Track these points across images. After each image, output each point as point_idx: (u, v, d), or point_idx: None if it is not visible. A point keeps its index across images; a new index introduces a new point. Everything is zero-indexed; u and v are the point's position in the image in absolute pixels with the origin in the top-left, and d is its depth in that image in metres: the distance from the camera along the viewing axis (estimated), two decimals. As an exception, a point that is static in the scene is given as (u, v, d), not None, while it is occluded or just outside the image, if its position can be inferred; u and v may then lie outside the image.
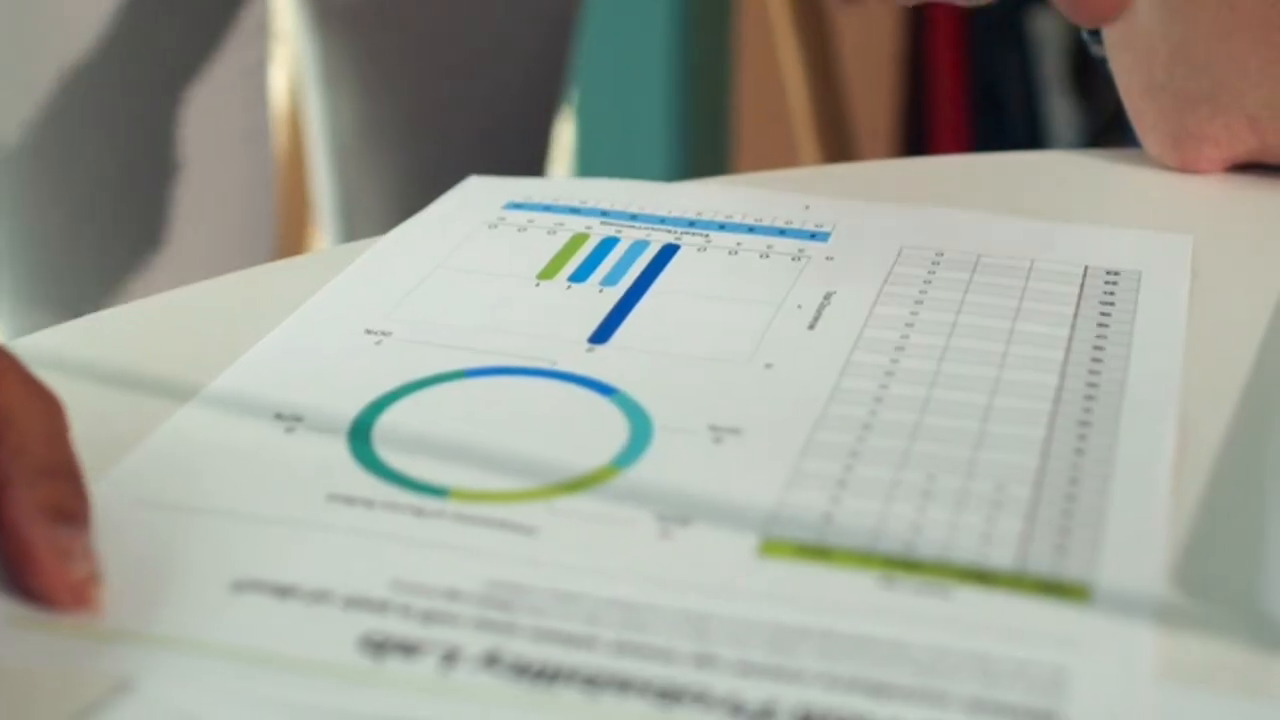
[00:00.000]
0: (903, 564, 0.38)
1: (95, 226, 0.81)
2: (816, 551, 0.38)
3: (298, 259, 0.55)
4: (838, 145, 1.38)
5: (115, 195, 0.81)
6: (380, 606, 0.36)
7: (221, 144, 0.83)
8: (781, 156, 1.54)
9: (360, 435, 0.43)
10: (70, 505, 0.37)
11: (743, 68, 1.67)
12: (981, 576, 0.37)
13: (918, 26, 1.70)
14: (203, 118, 0.82)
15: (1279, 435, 0.35)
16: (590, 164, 1.66)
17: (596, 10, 0.98)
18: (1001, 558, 0.38)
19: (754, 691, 0.34)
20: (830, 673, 0.34)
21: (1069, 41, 1.62)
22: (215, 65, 0.82)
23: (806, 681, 0.34)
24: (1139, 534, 0.39)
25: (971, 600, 0.37)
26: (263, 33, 0.84)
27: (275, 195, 0.89)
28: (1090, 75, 1.63)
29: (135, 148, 0.81)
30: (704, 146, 1.70)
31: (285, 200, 1.41)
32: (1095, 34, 0.62)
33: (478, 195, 0.59)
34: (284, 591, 0.37)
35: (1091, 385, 0.46)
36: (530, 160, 0.98)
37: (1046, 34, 1.63)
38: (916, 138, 1.78)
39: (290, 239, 1.46)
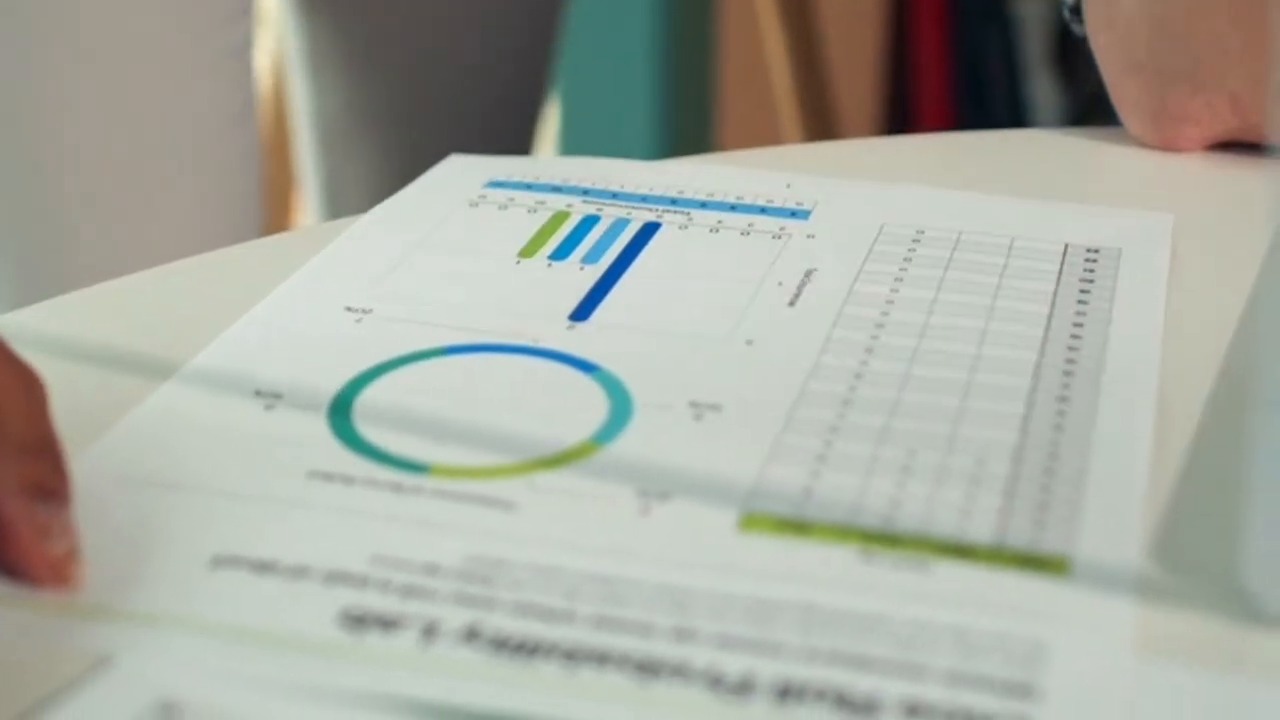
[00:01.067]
0: (882, 538, 0.38)
1: (78, 205, 0.80)
2: (796, 526, 0.38)
3: (278, 236, 0.55)
4: (820, 124, 1.38)
5: (99, 175, 0.80)
6: (360, 581, 0.36)
7: (208, 125, 0.83)
8: (764, 135, 1.54)
9: (340, 412, 0.43)
10: (50, 482, 0.37)
11: (726, 47, 1.67)
12: (961, 551, 0.37)
13: (900, 6, 1.69)
14: (189, 99, 0.81)
15: (1256, 412, 0.35)
16: (573, 144, 1.66)
17: (580, -9, 0.99)
18: (980, 532, 0.38)
19: (733, 664, 0.34)
20: (809, 646, 0.34)
21: (1051, 22, 1.62)
22: (200, 46, 0.81)
23: (786, 655, 0.34)
24: (1117, 509, 0.39)
25: (950, 574, 0.37)
26: (248, 14, 0.84)
27: (261, 176, 0.89)
28: (1072, 55, 1.63)
29: (120, 127, 0.80)
30: (687, 126, 1.70)
31: (269, 181, 1.41)
32: (1077, 13, 0.62)
33: (459, 173, 0.59)
34: (263, 567, 0.37)
35: (1070, 362, 0.46)
36: (516, 141, 0.98)
37: (1029, 14, 1.63)
38: (899, 117, 1.78)
39: (274, 220, 1.46)
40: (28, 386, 0.39)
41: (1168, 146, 0.61)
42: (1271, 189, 0.56)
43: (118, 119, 0.80)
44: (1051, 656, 0.34)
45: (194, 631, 0.35)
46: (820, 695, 0.33)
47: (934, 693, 0.33)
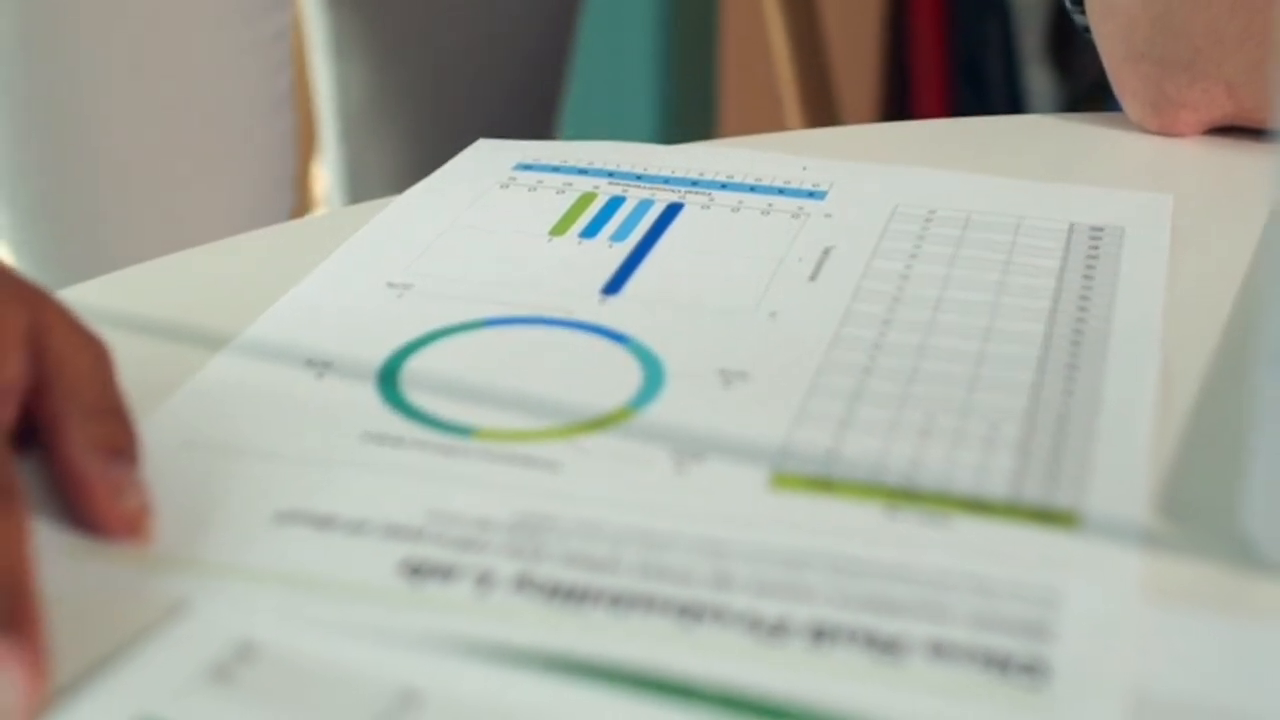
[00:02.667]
0: (905, 495, 0.40)
1: (120, 188, 0.83)
2: (824, 484, 0.41)
3: (321, 215, 0.58)
4: (822, 111, 1.40)
5: (142, 158, 0.82)
6: (416, 534, 0.39)
7: (249, 109, 0.85)
8: (766, 123, 1.56)
9: (388, 380, 0.45)
10: (121, 442, 0.40)
11: (728, 33, 1.69)
12: (978, 506, 0.40)
13: (899, 0, 1.72)
14: (231, 84, 0.83)
15: (1255, 368, 0.37)
16: (578, 129, 1.68)
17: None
18: (996, 489, 0.41)
19: (769, 609, 0.36)
20: (840, 591, 0.37)
21: (1049, 12, 1.65)
22: (242, 32, 0.83)
23: (818, 600, 0.36)
24: (1123, 465, 0.41)
25: (969, 527, 0.39)
26: (284, 2, 0.86)
27: (297, 160, 0.91)
28: (1069, 46, 1.66)
29: (163, 112, 0.83)
30: (690, 111, 1.72)
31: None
32: (1078, 3, 0.65)
33: (488, 157, 0.61)
34: (324, 522, 0.39)
35: (1078, 332, 0.48)
36: (537, 125, 1.00)
37: (1025, 3, 1.66)
38: (898, 104, 1.80)
39: (298, 202, 1.48)
40: (96, 354, 0.41)
41: (1166, 131, 0.63)
42: (1267, 170, 0.59)
43: (161, 104, 0.82)
44: (1064, 601, 0.36)
45: (263, 580, 0.37)
46: (852, 636, 0.35)
47: (956, 634, 0.35)
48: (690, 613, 0.36)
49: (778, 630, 0.35)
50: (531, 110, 1.00)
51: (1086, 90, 1.65)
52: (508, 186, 0.58)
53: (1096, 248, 0.54)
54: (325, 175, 1.06)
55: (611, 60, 1.69)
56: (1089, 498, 0.40)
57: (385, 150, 0.99)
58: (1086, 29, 0.65)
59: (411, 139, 0.98)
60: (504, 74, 0.98)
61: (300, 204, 1.49)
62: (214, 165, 0.84)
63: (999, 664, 0.35)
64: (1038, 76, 1.65)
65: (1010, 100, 1.68)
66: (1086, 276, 0.52)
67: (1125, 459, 0.42)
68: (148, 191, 0.82)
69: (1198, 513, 0.40)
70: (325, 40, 0.98)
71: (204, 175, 0.84)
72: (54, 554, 0.37)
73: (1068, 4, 0.65)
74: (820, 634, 0.35)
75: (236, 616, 0.36)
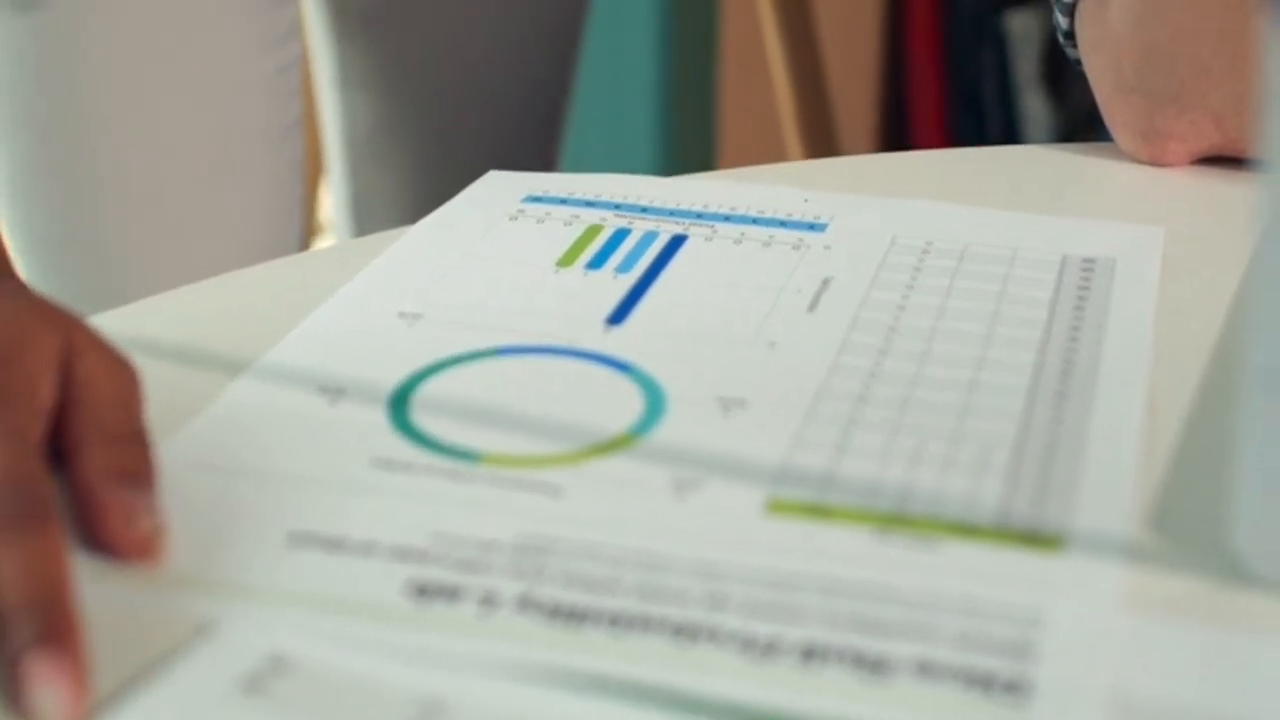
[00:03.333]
0: (896, 519, 0.42)
1: (134, 216, 0.84)
2: (818, 509, 0.42)
3: (333, 246, 0.59)
4: (822, 143, 1.42)
5: (155, 188, 0.84)
6: (422, 556, 0.40)
7: (259, 139, 0.87)
8: (766, 156, 1.58)
9: (398, 406, 0.47)
10: (138, 467, 0.41)
11: (728, 65, 1.71)
12: (967, 530, 0.41)
13: (898, 26, 1.74)
14: (242, 114, 0.85)
15: (1242, 391, 0.38)
16: (580, 159, 1.71)
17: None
18: (985, 513, 0.42)
19: (761, 629, 0.38)
20: (830, 612, 0.38)
21: (1044, 42, 1.66)
22: (254, 64, 0.85)
23: (809, 620, 0.38)
24: (1110, 491, 0.43)
25: (958, 551, 0.41)
26: (295, 34, 0.88)
27: (305, 187, 0.93)
28: (1064, 75, 1.68)
29: (176, 141, 0.84)
30: (690, 142, 1.74)
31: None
32: (1070, 36, 0.66)
33: (498, 189, 0.63)
34: (335, 544, 0.41)
35: (1068, 362, 0.50)
36: (540, 156, 1.02)
37: (1022, 34, 1.68)
38: (897, 135, 1.82)
39: (306, 229, 1.50)
40: (123, 379, 0.43)
41: (1155, 161, 0.65)
42: (1253, 198, 0.60)
43: (175, 133, 0.84)
44: (1047, 622, 0.38)
45: (278, 600, 0.39)
46: (840, 656, 0.37)
47: (941, 653, 0.37)
48: (685, 632, 0.37)
49: (769, 650, 0.37)
50: (534, 141, 1.01)
51: (1081, 118, 1.66)
52: (516, 218, 0.60)
53: (1088, 279, 0.55)
54: (332, 203, 1.08)
55: (613, 90, 1.71)
56: (1075, 522, 0.42)
57: (390, 180, 1.01)
58: (1078, 61, 0.66)
59: (416, 169, 1.00)
60: (507, 105, 1.00)
61: (308, 230, 1.51)
62: (225, 192, 0.86)
63: (982, 683, 0.36)
64: (1033, 104, 1.67)
65: (1006, 128, 1.69)
66: (1078, 308, 0.53)
67: (1111, 485, 0.43)
68: (160, 219, 0.84)
69: (1188, 530, 0.41)
70: (332, 73, 1.00)
71: (215, 202, 0.86)
72: (80, 574, 0.39)
73: (1060, 37, 0.67)
74: (810, 653, 0.37)
75: (262, 633, 0.37)
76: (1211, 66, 0.62)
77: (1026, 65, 1.66)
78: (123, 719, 0.34)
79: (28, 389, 0.41)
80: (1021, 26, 1.66)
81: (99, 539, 0.40)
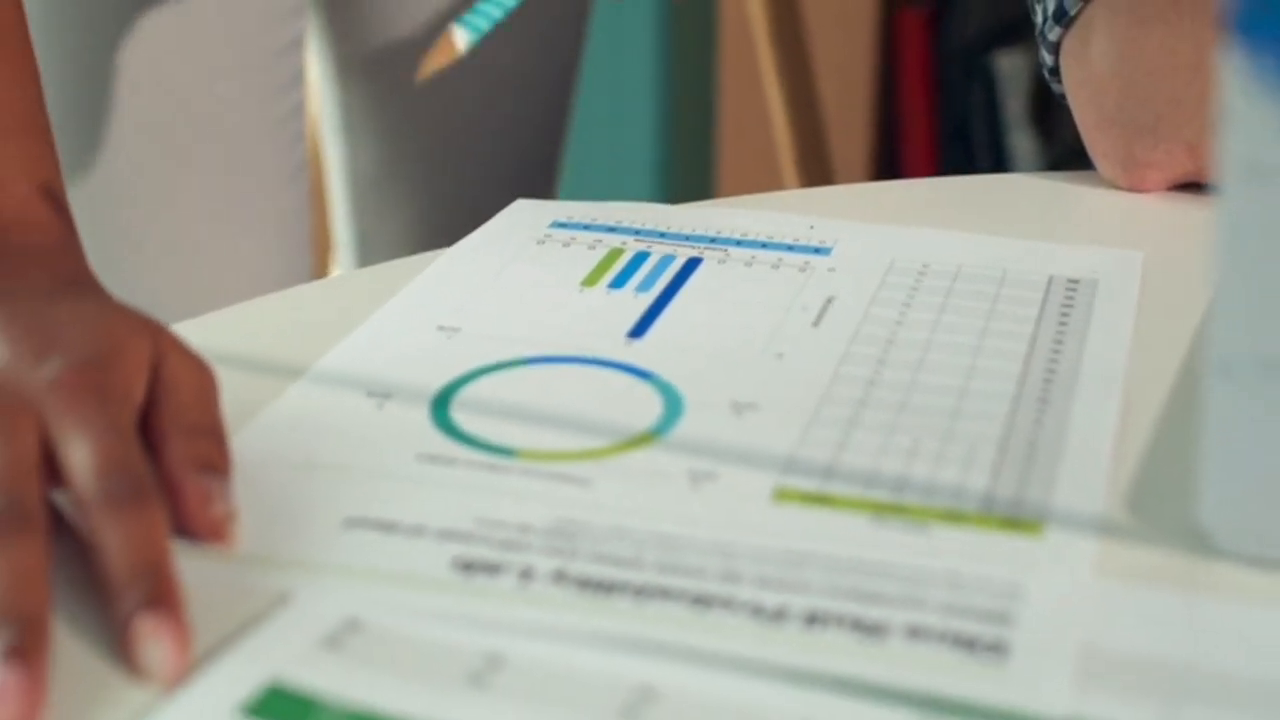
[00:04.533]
0: (891, 507, 0.46)
1: (145, 260, 0.89)
2: (820, 498, 0.47)
3: (374, 269, 0.64)
4: (817, 178, 1.47)
5: (166, 231, 0.89)
6: (467, 537, 0.45)
7: (266, 182, 0.92)
8: (763, 190, 1.63)
9: (440, 408, 0.52)
10: (214, 458, 0.46)
11: (725, 102, 1.76)
12: (955, 516, 0.46)
13: (891, 64, 1.79)
14: (250, 158, 0.91)
15: (1206, 379, 0.43)
16: (581, 192, 1.76)
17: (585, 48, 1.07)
18: (971, 503, 0.47)
19: (770, 599, 0.42)
20: (831, 585, 0.43)
21: (1032, 81, 1.71)
22: (263, 110, 0.91)
23: (812, 591, 0.42)
24: (1086, 483, 0.47)
25: (946, 534, 0.45)
26: (300, 81, 0.94)
27: (311, 228, 0.98)
28: (1050, 112, 1.73)
29: (189, 183, 0.90)
30: (689, 177, 1.79)
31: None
32: (1055, 72, 0.71)
33: (525, 216, 0.68)
34: (387, 527, 0.45)
35: (1050, 371, 0.54)
36: (538, 193, 1.06)
37: (1011, 74, 1.73)
38: (889, 170, 1.87)
39: (314, 270, 1.55)
40: (202, 380, 0.48)
41: (1135, 188, 0.70)
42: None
43: (186, 177, 0.89)
44: (1025, 594, 0.42)
45: (340, 574, 0.43)
46: (840, 621, 0.41)
47: (931, 619, 0.41)
48: (702, 601, 0.42)
49: (777, 616, 0.42)
50: (532, 179, 1.05)
51: (1066, 153, 1.72)
52: (543, 243, 0.65)
53: (1072, 298, 0.60)
54: (337, 241, 1.12)
55: (614, 123, 1.76)
56: (1052, 509, 0.46)
57: (393, 220, 1.05)
58: (1063, 96, 0.71)
59: (418, 209, 1.04)
60: (505, 145, 1.04)
61: (318, 269, 1.56)
62: (239, 230, 0.91)
63: (967, 644, 0.40)
64: (1021, 141, 1.72)
65: (995, 164, 1.74)
66: (1061, 323, 0.58)
67: (1087, 476, 0.48)
68: (175, 261, 0.89)
69: (1158, 513, 0.46)
70: (335, 117, 1.04)
71: (230, 239, 0.91)
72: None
73: (1046, 74, 0.72)
74: (813, 619, 0.41)
75: (334, 601, 0.42)
76: (1185, 100, 0.67)
77: (1014, 104, 1.71)
78: (219, 671, 0.39)
79: (125, 389, 0.46)
80: (1010, 66, 1.71)
81: (180, 521, 0.45)
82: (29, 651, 0.38)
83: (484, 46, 1.00)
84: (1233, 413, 0.41)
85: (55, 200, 0.54)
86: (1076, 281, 0.61)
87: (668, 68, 1.77)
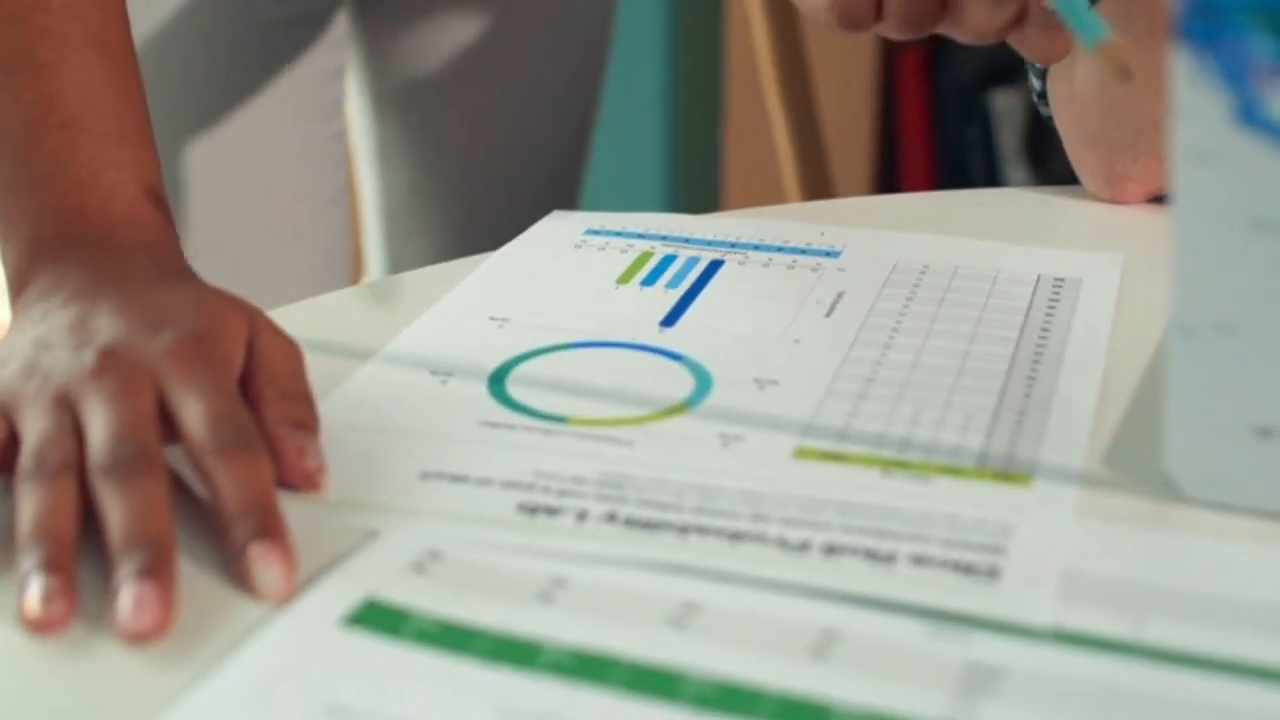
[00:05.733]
0: (897, 463, 0.53)
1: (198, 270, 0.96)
2: (836, 455, 0.53)
3: (432, 268, 0.71)
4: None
5: (221, 249, 0.96)
6: (528, 486, 0.51)
7: (310, 204, 0.99)
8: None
9: (497, 384, 0.58)
10: (305, 418, 0.53)
11: (731, 138, 1.83)
12: (954, 471, 0.53)
13: (890, 103, 1.86)
14: (296, 180, 0.98)
15: (1169, 339, 0.49)
16: (597, 207, 1.83)
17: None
18: (968, 459, 0.53)
19: (794, 535, 0.49)
20: (846, 524, 0.49)
21: (1025, 119, 1.79)
22: (309, 132, 0.98)
23: (830, 529, 0.49)
24: (1069, 443, 0.54)
25: (946, 485, 0.52)
26: (341, 109, 1.01)
27: (351, 247, 1.05)
28: (1043, 147, 1.80)
29: (239, 204, 0.97)
30: (696, 192, 1.86)
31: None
32: (1043, 96, 0.78)
33: (563, 224, 0.74)
34: (458, 479, 0.52)
35: (1038, 353, 0.61)
36: (561, 207, 1.13)
37: (1005, 112, 1.80)
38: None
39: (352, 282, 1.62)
40: (292, 352, 0.54)
41: (1117, 200, 0.77)
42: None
43: (239, 196, 0.96)
44: (1015, 531, 0.49)
45: (421, 516, 0.50)
46: (854, 552, 0.48)
47: (933, 550, 0.48)
48: (736, 536, 0.49)
49: (801, 548, 0.48)
50: (555, 198, 1.12)
51: (1057, 184, 1.78)
52: (580, 247, 0.72)
53: (1058, 293, 0.67)
54: (368, 261, 1.19)
55: (625, 144, 1.82)
56: (1039, 464, 0.53)
57: (423, 244, 1.11)
58: (1049, 117, 0.78)
59: (446, 230, 1.11)
60: (530, 172, 1.11)
61: (352, 283, 1.63)
62: (287, 246, 0.98)
63: (965, 569, 0.47)
64: (1015, 173, 1.80)
65: (990, 193, 1.81)
66: (1049, 314, 0.65)
67: (1069, 438, 0.54)
68: (228, 269, 0.96)
69: (1131, 466, 0.53)
70: (370, 146, 1.11)
71: (278, 254, 0.98)
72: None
73: (1034, 97, 0.79)
74: (831, 550, 0.48)
75: (418, 537, 0.48)
76: (1160, 118, 0.74)
77: (1009, 140, 1.79)
78: (322, 591, 0.46)
79: (227, 357, 0.52)
80: (1005, 104, 1.79)
81: (278, 472, 0.51)
82: (160, 570, 0.45)
83: (513, 74, 1.07)
84: (1192, 369, 0.47)
85: (159, 201, 0.61)
86: (1063, 280, 0.68)
87: (674, 91, 1.85)
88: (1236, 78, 0.41)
